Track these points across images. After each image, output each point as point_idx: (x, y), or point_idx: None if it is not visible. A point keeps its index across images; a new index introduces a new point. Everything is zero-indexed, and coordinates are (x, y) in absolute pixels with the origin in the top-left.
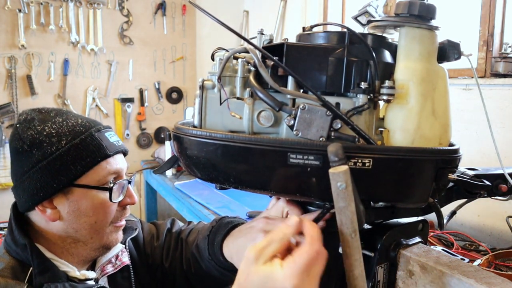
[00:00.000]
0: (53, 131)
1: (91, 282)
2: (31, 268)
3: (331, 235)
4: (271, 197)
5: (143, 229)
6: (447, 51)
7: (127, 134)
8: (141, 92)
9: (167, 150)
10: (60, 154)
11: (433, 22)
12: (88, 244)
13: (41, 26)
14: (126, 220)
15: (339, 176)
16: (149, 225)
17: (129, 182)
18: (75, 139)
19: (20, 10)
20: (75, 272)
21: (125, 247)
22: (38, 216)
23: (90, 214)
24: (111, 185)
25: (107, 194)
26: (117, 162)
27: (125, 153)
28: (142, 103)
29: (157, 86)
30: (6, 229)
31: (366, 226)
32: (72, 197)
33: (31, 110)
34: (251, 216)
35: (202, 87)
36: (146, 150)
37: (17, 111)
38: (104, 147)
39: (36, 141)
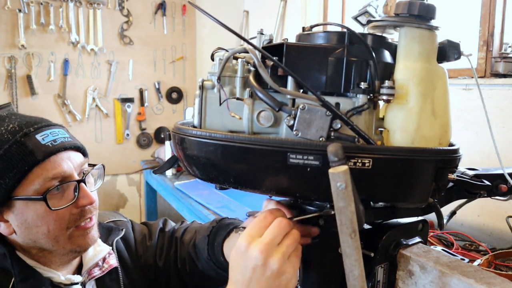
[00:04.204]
0: None
1: (77, 287)
2: (13, 277)
3: (331, 235)
4: (270, 197)
5: (134, 230)
6: (447, 51)
7: (127, 134)
8: (141, 92)
9: (167, 150)
10: None
11: (433, 22)
12: (54, 252)
13: (41, 26)
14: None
15: (339, 176)
16: (141, 225)
17: (82, 181)
18: (0, 150)
19: (20, 10)
20: (59, 277)
21: (113, 249)
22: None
23: (38, 224)
24: (56, 190)
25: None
26: (56, 165)
27: (77, 149)
28: (142, 103)
29: (157, 86)
30: None
31: (366, 226)
32: (16, 210)
33: None
34: (251, 216)
35: (202, 87)
36: (146, 150)
37: (17, 111)
38: (32, 152)
39: None
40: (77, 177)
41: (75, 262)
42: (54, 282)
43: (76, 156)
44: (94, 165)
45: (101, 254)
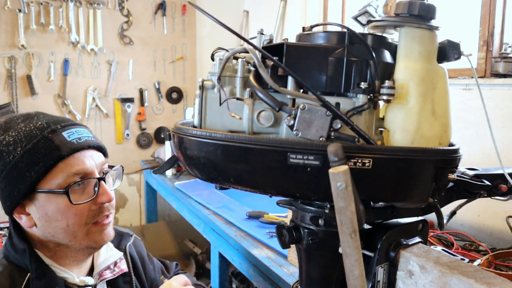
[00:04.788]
0: (11, 140)
1: None
2: (28, 274)
3: (331, 235)
4: (270, 197)
5: (149, 256)
6: (447, 51)
7: (127, 134)
8: (141, 92)
9: (167, 150)
10: (16, 162)
11: (433, 22)
12: (70, 246)
13: (41, 26)
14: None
15: (339, 176)
16: (156, 260)
17: (102, 179)
18: (28, 145)
19: (20, 10)
20: (74, 278)
21: (125, 254)
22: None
23: (59, 218)
24: (77, 186)
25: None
26: (80, 162)
27: (99, 149)
28: (142, 103)
29: (157, 86)
30: (6, 229)
31: (366, 226)
32: (38, 203)
33: (5, 119)
34: (251, 216)
35: (202, 87)
36: (146, 150)
37: (17, 111)
38: (58, 148)
39: None
40: (97, 175)
41: (87, 264)
42: (68, 283)
43: (98, 156)
44: (113, 166)
45: (112, 258)
